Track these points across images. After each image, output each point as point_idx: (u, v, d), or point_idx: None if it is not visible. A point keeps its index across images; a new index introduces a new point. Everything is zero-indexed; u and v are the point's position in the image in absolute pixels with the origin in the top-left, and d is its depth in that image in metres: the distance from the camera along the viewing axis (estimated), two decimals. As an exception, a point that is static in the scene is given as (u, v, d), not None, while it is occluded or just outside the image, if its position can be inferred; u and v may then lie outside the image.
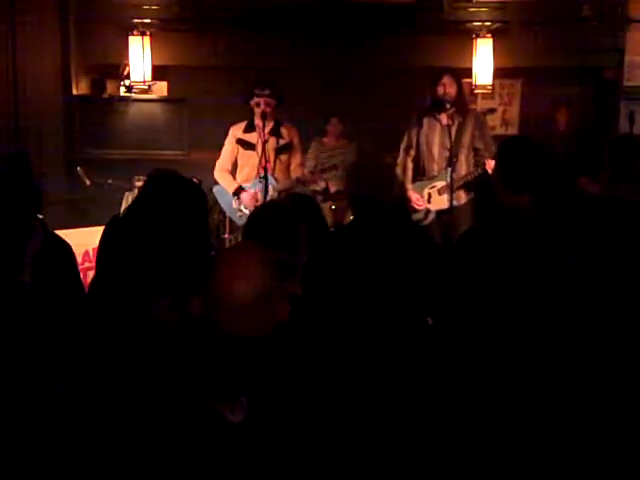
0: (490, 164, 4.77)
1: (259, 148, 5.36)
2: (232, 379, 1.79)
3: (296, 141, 5.56)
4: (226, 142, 5.57)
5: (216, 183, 5.61)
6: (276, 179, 5.37)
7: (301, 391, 1.85)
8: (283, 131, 5.45)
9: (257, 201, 5.30)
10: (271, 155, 5.31)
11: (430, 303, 3.13)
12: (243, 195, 5.43)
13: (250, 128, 5.47)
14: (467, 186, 5.08)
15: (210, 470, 1.75)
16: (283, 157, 5.46)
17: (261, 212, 2.68)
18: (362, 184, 3.24)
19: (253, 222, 2.65)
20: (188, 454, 1.75)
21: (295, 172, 5.57)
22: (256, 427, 1.76)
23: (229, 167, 5.58)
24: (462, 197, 5.09)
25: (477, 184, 5.00)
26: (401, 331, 2.99)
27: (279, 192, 5.35)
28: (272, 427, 1.78)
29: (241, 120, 5.54)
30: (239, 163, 5.56)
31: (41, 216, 3.01)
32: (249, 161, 5.47)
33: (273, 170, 5.34)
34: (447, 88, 4.99)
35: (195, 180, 4.25)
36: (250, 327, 1.87)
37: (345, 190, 3.56)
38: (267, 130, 5.37)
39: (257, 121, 5.41)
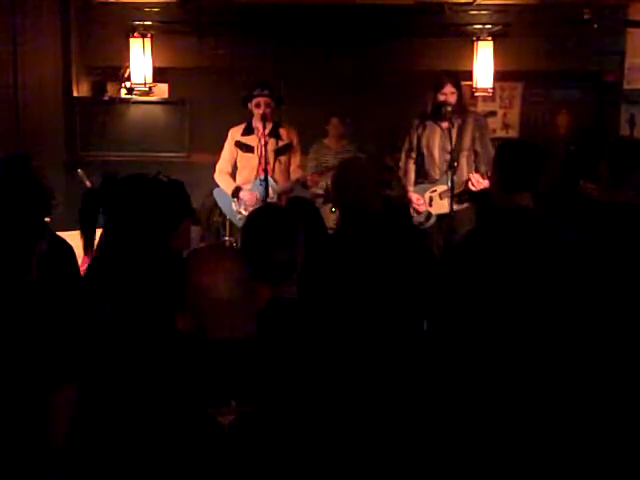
0: (473, 179, 4.81)
1: (258, 150, 5.38)
2: (221, 382, 1.79)
3: (295, 142, 5.56)
4: (225, 145, 5.58)
5: (216, 186, 5.63)
6: (275, 181, 5.37)
7: (292, 393, 1.85)
8: (282, 132, 5.46)
9: (257, 199, 5.32)
10: (270, 157, 5.32)
11: (426, 306, 3.11)
12: (242, 193, 5.44)
13: (249, 131, 5.49)
14: (464, 195, 5.06)
15: (201, 473, 1.75)
16: (282, 158, 5.46)
17: (257, 215, 2.68)
18: (346, 188, 3.20)
19: (250, 224, 2.65)
20: (178, 457, 1.75)
21: (295, 173, 5.58)
22: (247, 429, 1.77)
23: (229, 170, 5.59)
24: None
25: (476, 192, 4.99)
26: (395, 333, 2.98)
27: (279, 194, 5.36)
28: (263, 429, 1.78)
29: (242, 122, 5.55)
30: (239, 166, 5.57)
31: (48, 219, 3.01)
32: (248, 164, 5.48)
33: (272, 172, 5.35)
34: (448, 97, 4.99)
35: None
36: (234, 325, 1.87)
37: (330, 194, 3.50)
38: (266, 132, 5.37)
39: (256, 123, 5.42)
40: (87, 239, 2.72)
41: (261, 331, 1.93)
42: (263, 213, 2.66)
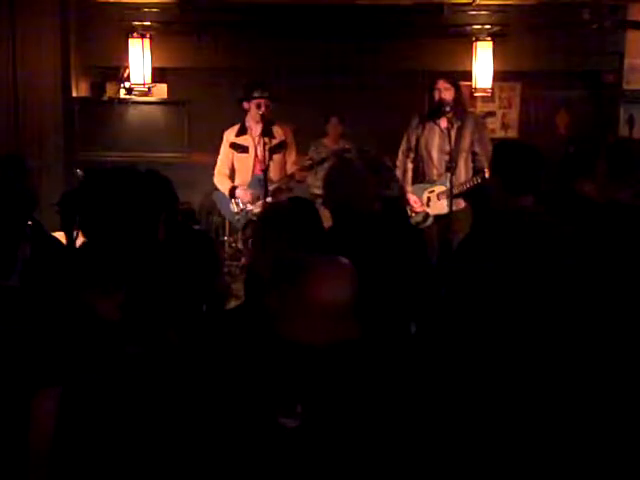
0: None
1: (253, 150, 5.40)
2: (291, 385, 1.79)
3: (289, 139, 5.58)
4: (221, 147, 5.61)
5: (216, 188, 5.65)
6: (270, 179, 5.38)
7: (357, 404, 1.85)
8: (275, 130, 5.46)
9: (252, 196, 5.39)
10: (265, 155, 5.33)
11: (415, 309, 3.09)
12: (237, 191, 5.47)
13: (242, 131, 5.50)
14: (464, 195, 5.07)
15: (259, 472, 1.76)
16: (276, 156, 5.47)
17: (281, 206, 2.67)
18: (338, 189, 3.18)
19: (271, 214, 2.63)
20: (239, 453, 1.76)
21: (291, 170, 5.59)
22: (308, 435, 1.77)
23: (227, 171, 5.61)
24: (461, 202, 5.08)
25: (473, 192, 4.99)
26: (381, 335, 2.97)
27: (273, 190, 5.36)
28: (324, 436, 1.78)
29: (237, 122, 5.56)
30: (235, 167, 5.60)
31: (30, 222, 3.00)
32: (244, 165, 5.51)
33: (268, 170, 5.36)
34: (442, 93, 4.99)
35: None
36: (323, 335, 1.86)
37: (322, 195, 3.47)
38: (260, 131, 5.37)
39: (249, 123, 5.43)
40: (69, 238, 2.73)
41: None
42: (285, 206, 2.65)
